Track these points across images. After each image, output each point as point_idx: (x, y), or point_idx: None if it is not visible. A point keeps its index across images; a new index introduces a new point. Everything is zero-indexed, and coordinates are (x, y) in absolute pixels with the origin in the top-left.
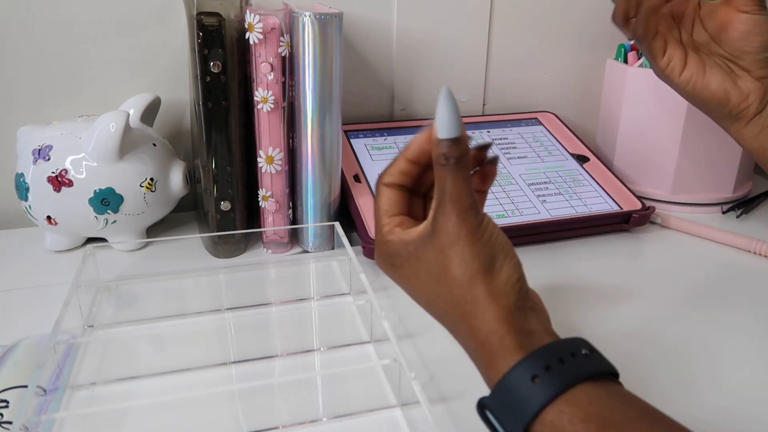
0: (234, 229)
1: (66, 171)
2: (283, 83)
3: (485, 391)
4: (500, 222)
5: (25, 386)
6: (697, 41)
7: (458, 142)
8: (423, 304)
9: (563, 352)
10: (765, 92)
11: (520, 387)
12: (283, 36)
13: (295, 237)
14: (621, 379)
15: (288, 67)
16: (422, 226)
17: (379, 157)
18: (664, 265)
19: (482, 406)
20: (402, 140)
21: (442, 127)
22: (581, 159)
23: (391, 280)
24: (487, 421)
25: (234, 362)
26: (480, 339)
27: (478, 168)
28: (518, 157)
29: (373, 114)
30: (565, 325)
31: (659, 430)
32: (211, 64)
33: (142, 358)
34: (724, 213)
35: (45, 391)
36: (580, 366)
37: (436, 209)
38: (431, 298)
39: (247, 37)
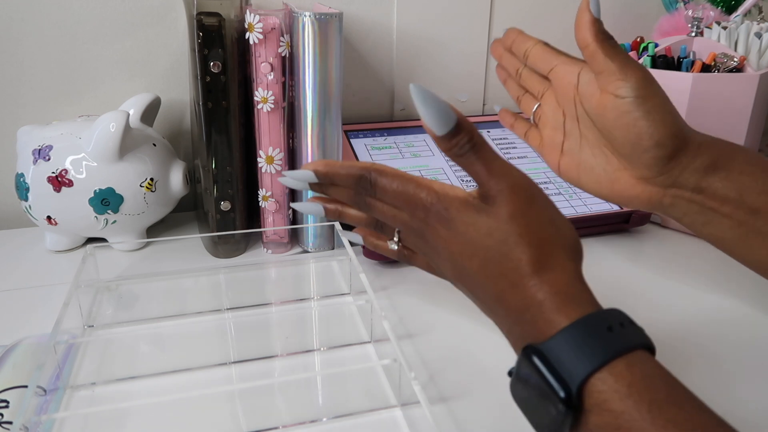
0: (234, 229)
1: (66, 171)
2: (283, 83)
3: (485, 391)
4: None
5: (25, 386)
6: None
7: (459, 128)
8: (454, 256)
9: (626, 319)
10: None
11: (597, 334)
12: (283, 36)
13: (295, 237)
14: None
15: (288, 67)
16: (466, 194)
17: (379, 157)
18: (664, 265)
19: (535, 351)
20: (402, 140)
21: (436, 125)
22: None
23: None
24: (535, 369)
25: (234, 362)
26: (554, 289)
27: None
28: (518, 157)
29: (373, 114)
30: None
31: (708, 411)
32: (211, 64)
33: (142, 358)
34: None
35: (45, 391)
36: (643, 333)
37: (486, 188)
38: (479, 253)
39: (247, 37)
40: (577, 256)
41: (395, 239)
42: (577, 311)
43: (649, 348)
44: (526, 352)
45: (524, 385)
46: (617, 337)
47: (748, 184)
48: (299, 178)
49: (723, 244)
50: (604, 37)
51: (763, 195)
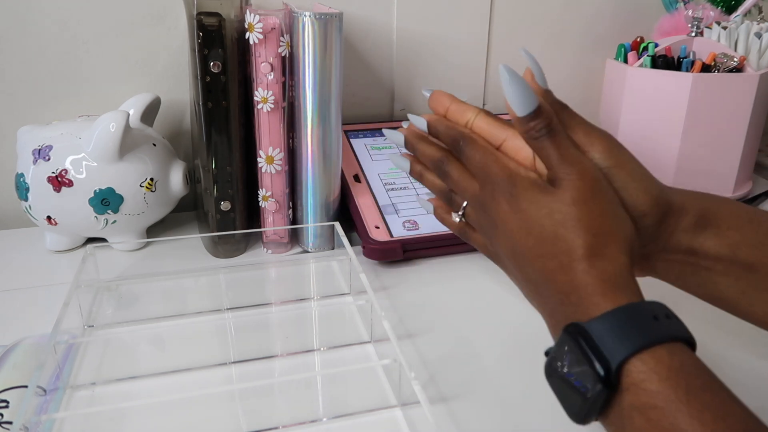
0: (234, 229)
1: (66, 171)
2: (283, 83)
3: (485, 391)
4: None
5: (25, 386)
6: None
7: (539, 113)
8: (511, 232)
9: (671, 313)
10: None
11: (641, 320)
12: (283, 36)
13: (295, 237)
14: None
15: (288, 67)
16: (536, 175)
17: (379, 157)
18: None
19: (578, 329)
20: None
21: (518, 106)
22: None
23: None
24: (576, 345)
25: (234, 362)
26: (603, 276)
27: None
28: None
29: (373, 114)
30: None
31: (741, 404)
32: (211, 64)
33: (142, 358)
34: None
35: (45, 391)
36: (686, 328)
37: (555, 171)
38: (535, 231)
39: (247, 37)
40: (631, 251)
41: (460, 213)
42: (623, 299)
43: (690, 343)
44: (569, 329)
45: (561, 363)
46: (661, 326)
47: (738, 240)
48: (417, 123)
49: (723, 303)
50: (560, 108)
51: (756, 249)
